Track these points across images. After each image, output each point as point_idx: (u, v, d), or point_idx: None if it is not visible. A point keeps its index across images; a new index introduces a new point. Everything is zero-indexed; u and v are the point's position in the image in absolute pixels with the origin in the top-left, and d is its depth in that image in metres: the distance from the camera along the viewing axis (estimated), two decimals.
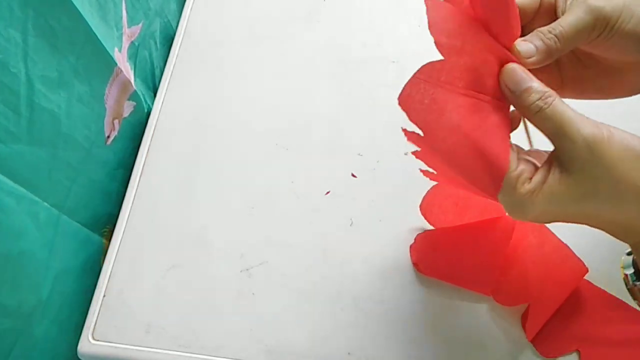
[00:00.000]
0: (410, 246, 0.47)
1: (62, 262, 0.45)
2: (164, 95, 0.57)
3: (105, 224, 0.52)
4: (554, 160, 0.32)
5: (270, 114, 0.55)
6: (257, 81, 0.57)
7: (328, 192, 0.51)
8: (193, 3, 0.63)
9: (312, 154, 0.53)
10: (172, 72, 0.59)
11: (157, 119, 0.56)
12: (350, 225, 0.49)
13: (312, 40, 0.59)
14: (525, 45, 0.33)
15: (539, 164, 0.33)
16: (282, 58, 0.59)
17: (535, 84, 0.31)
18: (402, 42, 0.58)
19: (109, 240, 0.52)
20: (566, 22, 0.33)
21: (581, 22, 0.32)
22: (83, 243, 0.49)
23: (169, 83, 0.58)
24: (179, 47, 0.60)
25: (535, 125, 0.32)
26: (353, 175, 0.51)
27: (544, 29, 0.33)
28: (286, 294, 0.46)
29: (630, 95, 0.37)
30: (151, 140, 0.55)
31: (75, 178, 0.46)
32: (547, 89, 0.31)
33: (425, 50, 0.60)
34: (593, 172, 0.30)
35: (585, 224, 0.33)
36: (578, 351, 0.43)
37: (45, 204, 0.42)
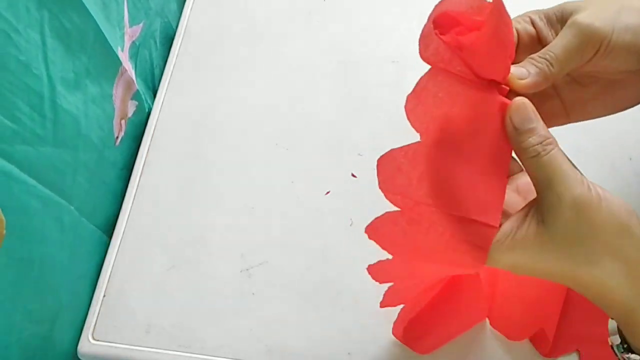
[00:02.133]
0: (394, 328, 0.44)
1: (80, 265, 0.45)
2: (164, 95, 0.57)
3: (114, 225, 0.52)
4: (532, 210, 0.30)
5: (270, 114, 0.55)
6: (257, 81, 0.57)
7: (328, 192, 0.51)
8: (193, 3, 0.63)
9: (312, 154, 0.53)
10: (172, 72, 0.59)
11: (157, 119, 0.56)
12: (350, 225, 0.49)
13: (312, 40, 0.59)
14: (517, 69, 0.32)
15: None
16: (282, 58, 0.59)
17: (540, 125, 0.30)
18: (402, 42, 0.58)
19: None
20: (557, 45, 0.32)
21: (572, 44, 0.32)
22: (98, 246, 0.49)
23: (169, 83, 0.58)
24: (179, 47, 0.60)
25: (526, 169, 0.30)
26: (353, 175, 0.51)
27: (534, 55, 0.32)
28: (286, 294, 0.46)
29: (637, 104, 0.36)
30: (151, 140, 0.54)
31: (92, 180, 0.46)
32: (549, 135, 0.30)
33: None
34: (574, 234, 0.29)
35: (563, 283, 0.31)
36: (578, 351, 0.43)
37: (71, 207, 0.42)
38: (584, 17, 0.32)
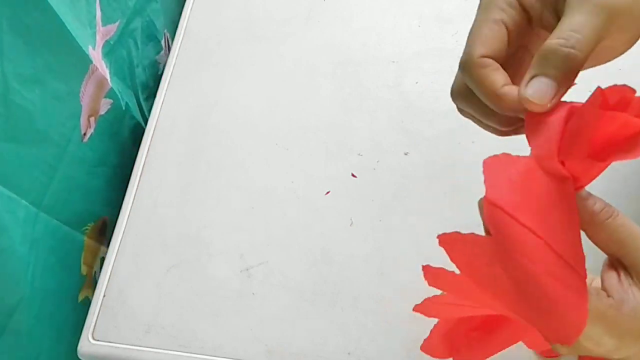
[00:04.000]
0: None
1: (41, 259, 0.45)
2: (164, 96, 0.57)
3: (86, 221, 0.52)
4: (625, 278, 0.28)
5: (270, 114, 0.55)
6: (257, 81, 0.57)
7: (328, 192, 0.51)
8: (193, 3, 0.63)
9: (312, 154, 0.53)
10: (172, 72, 0.59)
11: (157, 119, 0.56)
12: (350, 225, 0.49)
13: (312, 40, 0.59)
14: (535, 84, 0.26)
15: None
16: (282, 58, 0.59)
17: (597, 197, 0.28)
18: (402, 42, 0.58)
19: (92, 238, 0.51)
20: (581, 25, 0.25)
21: (599, 23, 0.26)
22: (62, 241, 0.49)
23: (169, 83, 0.58)
24: (179, 47, 0.60)
25: (600, 235, 0.28)
26: (353, 175, 0.51)
27: (553, 43, 0.25)
28: (286, 294, 0.46)
29: (614, 58, 0.31)
30: (151, 140, 0.55)
31: (52, 175, 0.46)
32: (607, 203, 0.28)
33: (426, 50, 0.61)
34: None
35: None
36: None
37: (24, 201, 0.42)
38: None
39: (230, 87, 0.57)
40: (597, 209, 0.27)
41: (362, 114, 0.54)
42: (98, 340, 0.45)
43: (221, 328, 0.45)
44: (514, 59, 0.30)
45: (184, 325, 0.46)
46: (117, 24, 0.55)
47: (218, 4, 0.63)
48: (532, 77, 0.26)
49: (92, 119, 0.52)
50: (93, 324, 0.46)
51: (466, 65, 0.29)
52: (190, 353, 0.44)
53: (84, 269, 0.52)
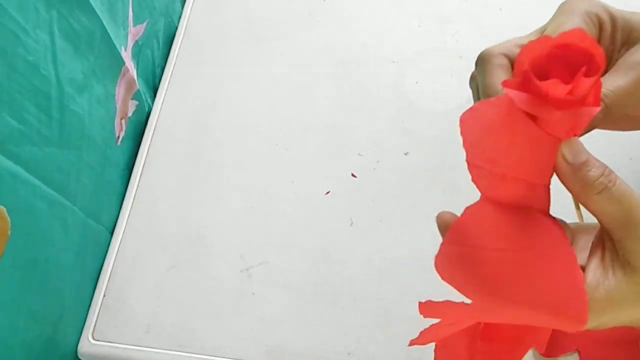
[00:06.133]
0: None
1: (86, 266, 0.45)
2: (164, 95, 0.57)
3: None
4: (609, 253, 0.26)
5: (270, 114, 0.55)
6: (257, 81, 0.57)
7: (328, 192, 0.51)
8: (193, 3, 0.63)
9: (312, 154, 0.53)
10: (172, 71, 0.59)
11: (157, 119, 0.56)
12: (350, 225, 0.49)
13: (312, 40, 0.59)
14: None
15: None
16: (282, 58, 0.59)
17: (592, 157, 0.26)
18: (402, 42, 0.58)
19: None
20: (616, 86, 0.29)
21: (635, 87, 0.28)
22: (105, 246, 0.49)
23: (169, 82, 0.58)
24: (179, 47, 0.60)
25: (593, 207, 0.26)
26: (353, 175, 0.51)
27: None
28: (286, 294, 0.46)
29: None
30: (151, 140, 0.54)
31: (96, 180, 0.46)
32: (604, 164, 0.26)
33: (426, 50, 0.61)
34: None
35: None
36: (578, 351, 0.43)
37: (75, 207, 0.42)
38: None
39: (230, 87, 0.57)
40: (590, 179, 0.26)
41: (362, 114, 0.54)
42: (98, 340, 0.45)
43: (221, 328, 0.45)
44: None
45: (184, 325, 0.46)
46: (145, 24, 0.55)
47: (218, 4, 0.63)
48: None
49: (123, 122, 0.52)
50: (93, 324, 0.46)
51: None
52: (190, 353, 0.44)
53: None
